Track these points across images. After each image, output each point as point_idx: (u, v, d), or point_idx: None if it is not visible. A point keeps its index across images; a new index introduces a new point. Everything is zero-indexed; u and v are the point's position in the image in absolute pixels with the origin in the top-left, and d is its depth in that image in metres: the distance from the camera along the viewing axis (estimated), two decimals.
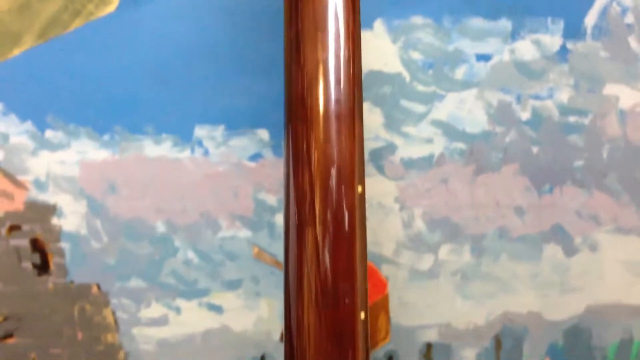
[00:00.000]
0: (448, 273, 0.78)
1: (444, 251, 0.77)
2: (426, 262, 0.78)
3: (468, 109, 0.74)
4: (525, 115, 0.74)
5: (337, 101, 0.49)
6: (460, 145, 0.75)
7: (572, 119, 0.75)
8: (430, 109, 0.74)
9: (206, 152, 0.75)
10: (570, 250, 0.77)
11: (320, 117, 0.48)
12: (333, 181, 0.49)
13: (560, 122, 0.75)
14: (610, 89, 0.74)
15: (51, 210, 0.75)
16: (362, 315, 0.44)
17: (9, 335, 0.77)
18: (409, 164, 0.75)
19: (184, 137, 0.74)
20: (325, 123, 0.48)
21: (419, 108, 0.74)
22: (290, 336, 0.46)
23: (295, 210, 0.48)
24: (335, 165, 0.48)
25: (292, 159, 0.48)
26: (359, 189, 0.49)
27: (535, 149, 0.75)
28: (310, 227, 0.47)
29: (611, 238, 0.77)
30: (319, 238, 0.47)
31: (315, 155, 0.48)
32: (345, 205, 0.48)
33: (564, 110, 0.74)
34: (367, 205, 0.76)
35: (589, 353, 0.80)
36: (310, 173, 0.48)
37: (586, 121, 0.75)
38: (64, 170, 0.74)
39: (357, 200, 0.49)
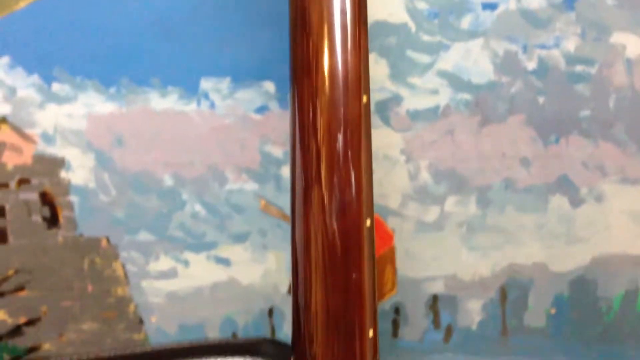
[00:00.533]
0: (454, 225, 0.73)
1: (449, 203, 0.72)
2: (432, 214, 0.73)
3: (474, 59, 0.69)
4: (531, 65, 0.69)
5: (344, 63, 0.44)
6: (466, 96, 0.70)
7: (578, 68, 0.69)
8: (436, 59, 0.69)
9: (212, 105, 0.70)
10: (576, 201, 0.72)
11: (326, 81, 0.43)
12: (340, 144, 0.44)
13: (567, 72, 0.69)
14: (617, 38, 0.68)
15: (59, 163, 0.71)
16: (370, 268, 0.39)
17: (20, 288, 0.73)
18: (414, 115, 0.70)
19: (190, 90, 0.69)
20: (332, 86, 0.43)
21: (425, 58, 0.69)
22: (297, 292, 0.42)
23: (301, 174, 0.43)
24: (342, 130, 0.43)
25: (298, 125, 0.43)
26: (364, 151, 0.44)
27: (541, 99, 0.70)
28: (316, 188, 0.42)
29: (617, 188, 0.72)
30: (326, 200, 0.42)
31: (320, 121, 0.43)
32: (352, 166, 0.43)
33: (571, 59, 0.69)
34: (373, 157, 0.71)
35: (595, 304, 0.75)
36: (316, 140, 0.43)
37: (593, 70, 0.69)
38: (71, 124, 0.70)
39: (363, 160, 0.43)
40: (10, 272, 0.72)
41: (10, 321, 0.73)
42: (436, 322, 0.75)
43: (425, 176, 0.72)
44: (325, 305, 0.40)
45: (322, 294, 0.39)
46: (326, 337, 0.37)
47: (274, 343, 0.53)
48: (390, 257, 0.74)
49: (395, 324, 0.75)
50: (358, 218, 0.41)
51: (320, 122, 0.44)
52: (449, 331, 0.76)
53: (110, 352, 0.52)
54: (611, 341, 0.75)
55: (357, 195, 0.43)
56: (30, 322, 0.73)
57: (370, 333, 0.39)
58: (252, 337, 0.55)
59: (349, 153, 0.44)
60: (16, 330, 0.73)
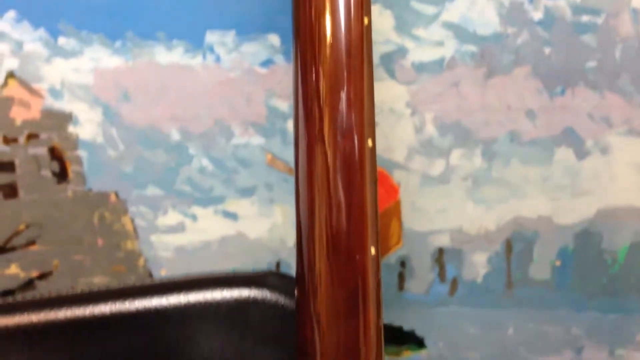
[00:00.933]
0: (459, 178, 0.70)
1: (455, 156, 0.69)
2: (437, 167, 0.70)
3: (479, 10, 0.65)
4: (537, 16, 0.65)
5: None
6: (472, 48, 0.66)
7: (584, 18, 0.65)
8: (441, 10, 0.65)
9: (218, 59, 0.66)
10: (581, 153, 0.69)
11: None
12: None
13: (573, 22, 0.65)
14: None
15: (67, 118, 0.68)
16: (372, 188, 0.36)
17: (31, 243, 0.70)
18: (419, 67, 0.67)
19: (195, 43, 0.66)
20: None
21: (430, 9, 0.65)
22: (299, 213, 0.38)
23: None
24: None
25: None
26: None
27: (547, 50, 0.66)
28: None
29: (623, 140, 0.68)
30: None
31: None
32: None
33: (577, 9, 0.65)
34: (378, 110, 0.68)
35: (599, 256, 0.71)
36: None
37: (599, 20, 0.65)
38: (78, 78, 0.67)
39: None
40: (22, 226, 0.70)
41: (22, 275, 0.70)
42: (442, 275, 0.72)
43: (430, 129, 0.68)
44: (327, 224, 0.37)
45: (324, 212, 0.35)
46: (327, 258, 0.34)
47: (279, 275, 0.51)
48: (395, 211, 0.71)
49: (401, 277, 0.72)
50: (361, 139, 0.37)
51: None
52: (454, 284, 0.72)
53: (113, 285, 0.50)
54: (615, 293, 0.72)
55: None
56: (43, 276, 0.71)
57: (372, 251, 0.36)
58: (257, 270, 0.53)
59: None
60: (29, 284, 0.71)
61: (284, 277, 0.51)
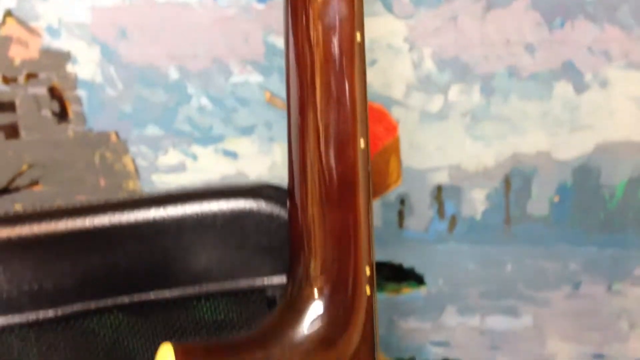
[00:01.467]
0: (458, 114, 0.66)
1: (453, 92, 0.65)
2: (436, 104, 0.65)
3: None
4: None
5: None
6: None
7: None
8: None
9: None
10: (580, 88, 0.64)
11: None
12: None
13: None
14: None
15: (65, 57, 0.64)
16: (361, 83, 0.32)
17: (34, 183, 0.67)
18: (417, 1, 0.62)
19: None
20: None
21: None
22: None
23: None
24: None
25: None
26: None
27: None
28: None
29: (622, 74, 0.64)
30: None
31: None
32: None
33: None
34: (376, 46, 0.64)
35: (598, 191, 0.68)
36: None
37: None
38: (75, 16, 0.63)
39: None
40: (24, 166, 0.66)
41: None
42: (441, 213, 0.69)
43: (429, 65, 0.64)
44: (318, 117, 0.33)
45: (314, 105, 0.32)
46: (317, 149, 0.31)
47: (275, 187, 0.48)
48: (394, 148, 0.67)
49: (401, 215, 0.69)
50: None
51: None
52: (453, 221, 0.69)
53: (112, 198, 0.49)
54: (614, 229, 0.68)
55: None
56: None
57: (362, 143, 0.32)
58: (252, 182, 0.51)
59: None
60: None
61: (279, 188, 0.49)
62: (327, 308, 0.29)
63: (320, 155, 0.31)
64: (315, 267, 0.29)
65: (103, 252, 0.42)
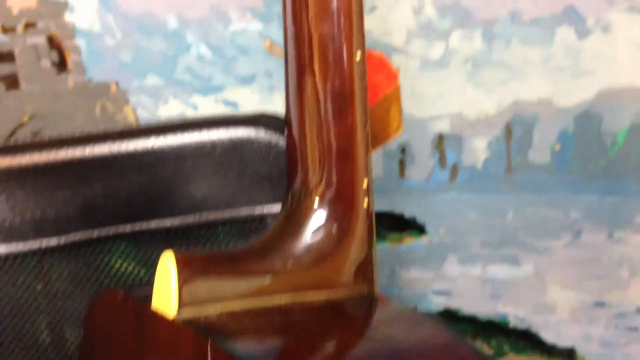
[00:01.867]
0: (459, 61, 0.63)
1: (454, 38, 0.62)
2: (437, 51, 0.62)
3: None
4: None
5: None
6: None
7: None
8: None
9: None
10: (582, 33, 0.61)
11: None
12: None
13: None
14: None
15: (63, 5, 0.61)
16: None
17: (36, 135, 0.64)
18: None
19: None
20: None
21: None
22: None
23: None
24: None
25: None
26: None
27: None
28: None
29: (624, 18, 0.61)
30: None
31: None
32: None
33: None
34: None
35: (599, 139, 0.65)
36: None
37: None
38: None
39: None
40: (25, 118, 0.63)
41: None
42: (442, 162, 0.66)
43: (429, 10, 0.61)
44: (314, 30, 0.30)
45: (310, 17, 0.29)
46: (312, 65, 0.28)
47: (274, 116, 0.46)
48: (395, 97, 0.64)
49: (402, 165, 0.66)
50: None
51: None
52: (454, 170, 0.66)
53: (111, 128, 0.47)
54: (615, 176, 0.65)
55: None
56: None
57: (358, 56, 0.30)
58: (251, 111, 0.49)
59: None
60: None
61: (277, 117, 0.46)
62: (327, 218, 0.27)
63: (314, 69, 0.28)
64: (313, 178, 0.27)
65: (103, 180, 0.40)
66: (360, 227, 0.28)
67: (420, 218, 0.67)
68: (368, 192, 0.28)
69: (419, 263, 0.68)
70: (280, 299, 0.27)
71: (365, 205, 0.28)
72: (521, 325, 0.67)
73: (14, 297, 0.39)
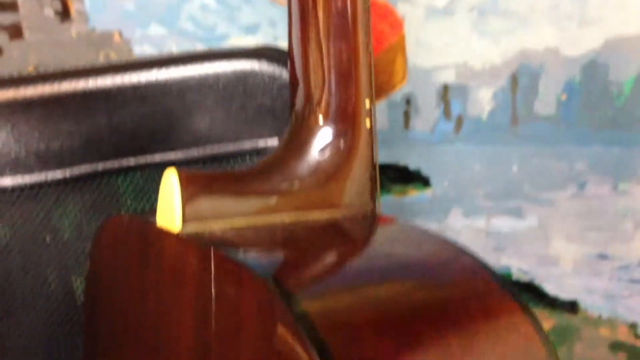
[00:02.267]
0: (465, 9, 0.61)
1: None
2: None
3: None
4: None
5: None
6: None
7: None
8: None
9: None
10: None
11: None
12: None
13: None
14: None
15: None
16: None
17: None
18: None
19: None
20: None
21: None
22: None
23: None
24: None
25: None
26: None
27: None
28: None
29: None
30: None
31: None
32: None
33: None
34: None
35: (605, 89, 0.64)
36: None
37: None
38: None
39: None
40: (30, 68, 0.63)
41: None
42: (447, 113, 0.65)
43: None
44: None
45: None
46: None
47: (277, 49, 0.46)
48: (400, 46, 0.63)
49: (406, 116, 0.65)
50: None
51: None
52: (459, 121, 0.65)
53: (114, 60, 0.46)
54: (621, 126, 0.65)
55: None
56: None
57: None
58: (254, 44, 0.48)
59: None
60: None
61: (280, 50, 0.46)
62: (331, 136, 0.26)
63: None
64: (317, 97, 0.26)
65: (107, 113, 0.40)
66: (363, 146, 0.27)
67: (425, 170, 0.67)
68: (370, 113, 0.27)
69: (423, 215, 0.68)
70: (284, 217, 0.26)
71: (368, 125, 0.27)
72: (524, 278, 0.67)
73: (22, 229, 0.39)
